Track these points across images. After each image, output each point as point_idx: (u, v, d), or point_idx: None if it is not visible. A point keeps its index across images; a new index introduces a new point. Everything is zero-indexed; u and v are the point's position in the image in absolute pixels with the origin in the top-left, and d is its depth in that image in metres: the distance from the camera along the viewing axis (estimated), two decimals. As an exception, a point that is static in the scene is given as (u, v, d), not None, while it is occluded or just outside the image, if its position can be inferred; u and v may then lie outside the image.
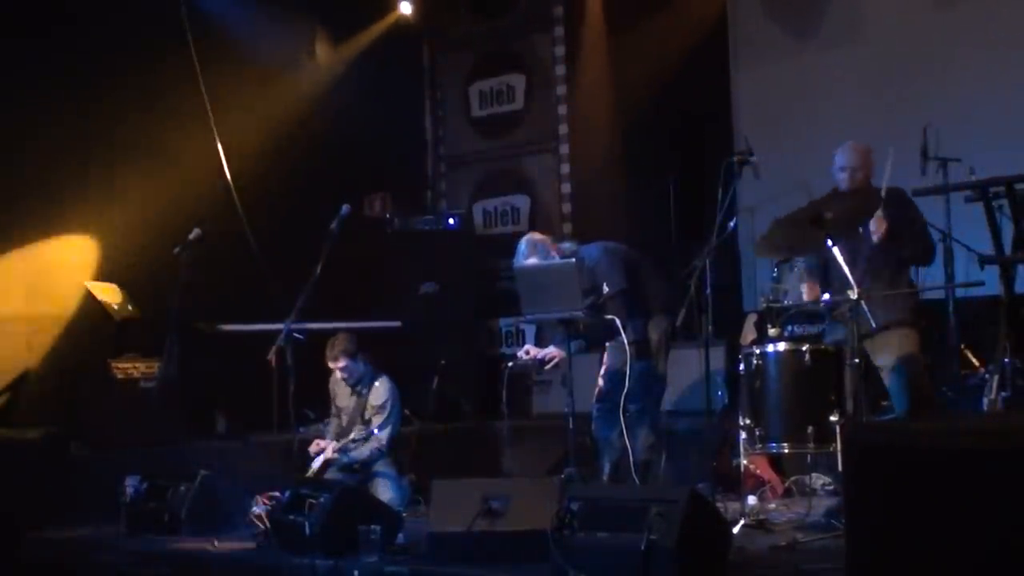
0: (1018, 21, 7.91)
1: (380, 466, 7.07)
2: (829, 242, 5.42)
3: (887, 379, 5.80)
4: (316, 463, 6.91)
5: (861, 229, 5.70)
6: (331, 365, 7.05)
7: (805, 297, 6.14)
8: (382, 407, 7.04)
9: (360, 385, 7.13)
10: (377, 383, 7.12)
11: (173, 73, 8.31)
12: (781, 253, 6.30)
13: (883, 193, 5.59)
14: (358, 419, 7.09)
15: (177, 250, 7.12)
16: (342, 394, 7.24)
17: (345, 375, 7.07)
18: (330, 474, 6.89)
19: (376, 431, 7.00)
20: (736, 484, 6.35)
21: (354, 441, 6.96)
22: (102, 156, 8.07)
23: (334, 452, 6.91)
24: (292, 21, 9.47)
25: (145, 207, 8.15)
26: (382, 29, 10.10)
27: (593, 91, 9.82)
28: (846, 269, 5.34)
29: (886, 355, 5.77)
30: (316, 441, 7.02)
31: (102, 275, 7.94)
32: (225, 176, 8.41)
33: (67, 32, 7.83)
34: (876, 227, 5.67)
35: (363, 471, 7.03)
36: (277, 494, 5.90)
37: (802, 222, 5.48)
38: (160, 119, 8.30)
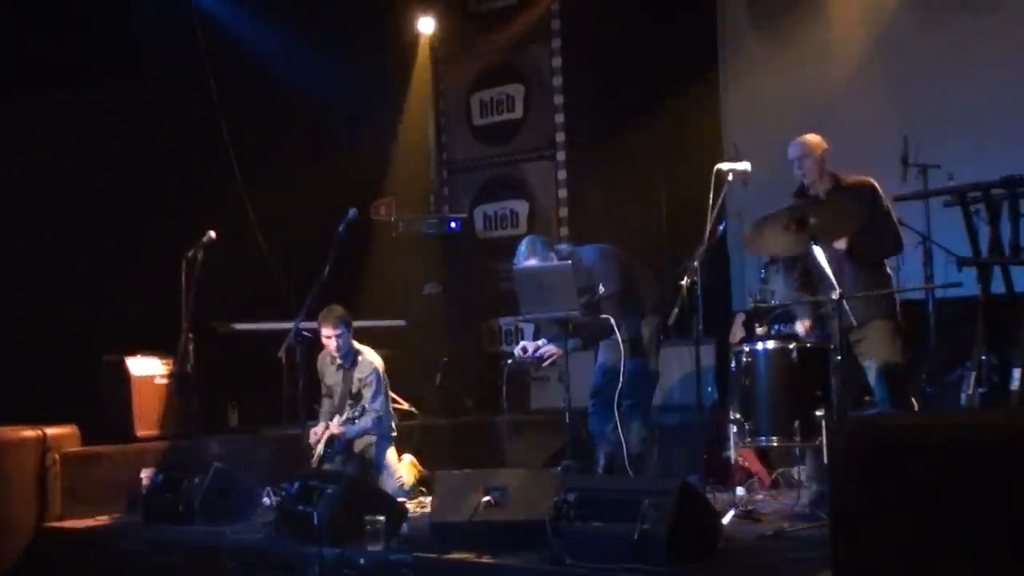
0: (992, 35, 7.90)
1: (386, 459, 7.05)
2: (813, 245, 5.40)
3: (871, 377, 5.78)
4: (319, 449, 6.88)
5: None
6: (325, 332, 6.93)
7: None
8: (368, 379, 7.00)
9: (346, 360, 7.08)
10: (360, 357, 7.07)
11: (188, 83, 8.29)
12: (769, 250, 6.28)
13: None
14: (348, 395, 7.03)
15: (191, 252, 7.10)
16: (330, 372, 7.18)
17: (339, 343, 6.96)
18: (337, 466, 6.87)
19: (368, 404, 6.94)
20: (725, 476, 6.34)
21: (352, 419, 6.88)
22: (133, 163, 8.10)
23: (339, 428, 6.85)
24: (306, 35, 9.43)
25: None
26: (423, 65, 10.37)
27: (588, 101, 9.79)
28: (828, 270, 5.32)
29: (869, 354, 5.74)
30: (312, 430, 6.96)
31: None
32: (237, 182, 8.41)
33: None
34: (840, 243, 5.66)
35: (371, 462, 7.02)
36: (286, 485, 5.88)
37: (787, 225, 5.47)
38: (173, 130, 8.30)
